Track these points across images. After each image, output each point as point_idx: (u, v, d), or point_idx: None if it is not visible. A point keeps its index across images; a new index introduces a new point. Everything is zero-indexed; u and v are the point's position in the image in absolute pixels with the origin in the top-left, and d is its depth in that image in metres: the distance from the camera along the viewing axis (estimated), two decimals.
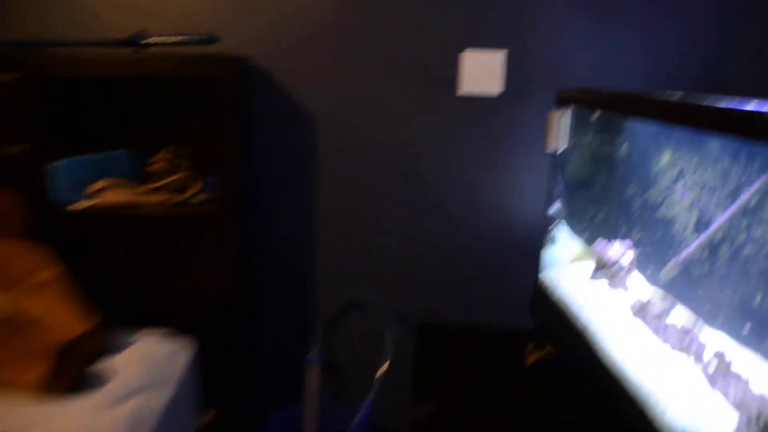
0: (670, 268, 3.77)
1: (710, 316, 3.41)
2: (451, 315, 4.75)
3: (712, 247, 3.47)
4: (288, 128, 4.13)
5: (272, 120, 4.11)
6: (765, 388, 2.71)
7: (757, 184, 3.19)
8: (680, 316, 3.45)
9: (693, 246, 3.61)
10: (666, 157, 3.95)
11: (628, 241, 4.01)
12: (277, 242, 4.42)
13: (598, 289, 3.88)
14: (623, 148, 4.32)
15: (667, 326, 3.25)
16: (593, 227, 4.52)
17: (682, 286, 3.65)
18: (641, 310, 3.45)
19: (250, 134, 4.02)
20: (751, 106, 2.42)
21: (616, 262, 3.94)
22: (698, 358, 3.03)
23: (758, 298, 3.18)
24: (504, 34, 4.28)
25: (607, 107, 3.88)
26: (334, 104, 4.14)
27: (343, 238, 4.43)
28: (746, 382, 2.72)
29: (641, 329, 3.35)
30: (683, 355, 3.05)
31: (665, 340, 3.15)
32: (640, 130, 4.20)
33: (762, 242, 3.16)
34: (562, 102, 4.16)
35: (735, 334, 3.26)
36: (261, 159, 4.19)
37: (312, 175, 4.21)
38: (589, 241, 4.22)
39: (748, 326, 3.23)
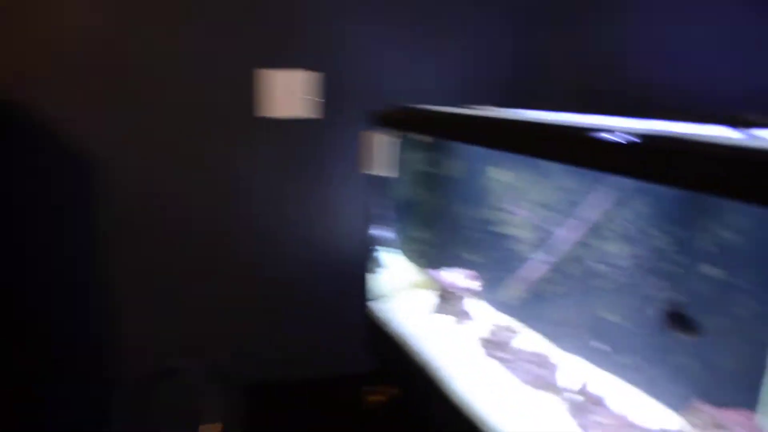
0: (514, 292, 3.60)
1: (564, 340, 3.29)
2: (282, 365, 4.16)
3: (557, 266, 3.36)
4: (58, 175, 3.30)
5: (34, 165, 3.25)
6: (632, 415, 2.55)
7: (595, 203, 3.11)
8: (533, 343, 3.27)
9: (534, 267, 3.47)
10: (499, 175, 3.83)
11: (469, 271, 3.79)
12: (62, 307, 3.51)
13: (442, 320, 3.58)
14: (453, 168, 4.14)
15: (519, 358, 3.02)
16: (432, 253, 4.27)
17: (531, 310, 3.51)
18: (490, 342, 3.20)
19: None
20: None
21: (458, 290, 3.69)
22: (557, 391, 2.82)
23: (608, 316, 3.08)
24: (315, 55, 3.88)
25: (423, 127, 3.63)
26: (113, 144, 3.41)
27: (144, 296, 3.66)
28: (614, 415, 2.54)
29: (492, 364, 3.09)
30: (541, 391, 2.83)
31: (521, 377, 2.91)
32: (466, 148, 4.04)
33: (607, 258, 3.07)
34: (377, 122, 3.84)
35: (589, 356, 3.14)
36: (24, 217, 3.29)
37: (94, 228, 3.39)
38: (428, 267, 3.94)
39: (599, 346, 3.13)
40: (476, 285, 3.67)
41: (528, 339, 3.28)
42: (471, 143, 3.32)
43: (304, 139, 4.24)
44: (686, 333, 2.28)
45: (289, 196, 4.30)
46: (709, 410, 2.26)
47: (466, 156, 4.04)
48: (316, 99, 4.10)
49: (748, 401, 2.46)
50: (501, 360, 3.08)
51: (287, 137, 4.17)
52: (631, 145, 2.03)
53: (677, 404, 2.70)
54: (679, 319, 2.31)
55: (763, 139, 1.91)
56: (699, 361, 2.66)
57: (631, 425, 2.49)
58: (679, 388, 2.75)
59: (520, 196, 3.65)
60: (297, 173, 4.28)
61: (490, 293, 3.79)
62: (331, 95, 3.97)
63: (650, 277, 2.90)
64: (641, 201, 2.93)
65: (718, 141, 1.81)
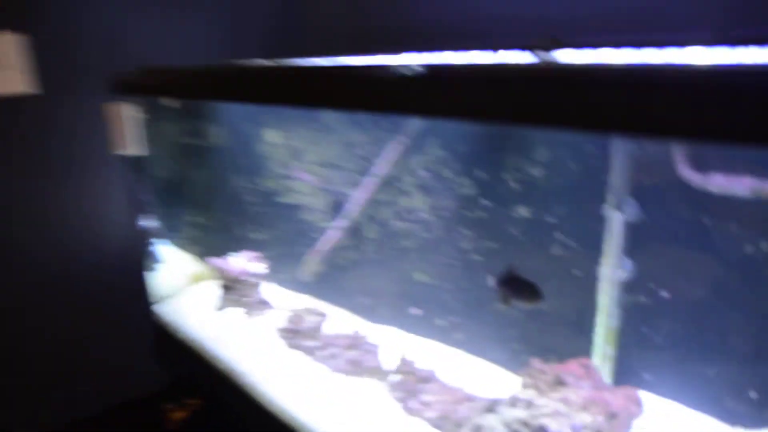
0: (313, 267, 3.14)
1: (377, 312, 2.92)
2: (61, 407, 3.31)
3: (356, 232, 2.96)
4: None
5: None
6: (467, 385, 2.26)
7: (386, 154, 2.74)
8: (343, 323, 2.85)
9: (330, 236, 3.04)
10: (273, 138, 3.30)
11: (254, 253, 3.23)
12: None
13: (234, 314, 3.01)
14: (218, 136, 3.50)
15: (330, 344, 2.59)
16: (210, 239, 3.62)
17: (334, 285, 3.08)
18: (292, 331, 2.72)
19: None
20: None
21: (247, 277, 3.13)
22: (379, 373, 2.45)
23: (422, 278, 2.76)
24: (22, 13, 2.91)
25: (173, 89, 2.95)
26: None
27: None
28: (447, 389, 2.23)
29: (298, 356, 2.63)
30: (359, 377, 2.43)
31: (334, 365, 2.49)
32: (233, 111, 3.43)
33: (408, 214, 2.73)
34: (120, 90, 3.07)
35: (408, 325, 2.81)
36: None
37: None
38: (208, 255, 3.31)
39: (416, 312, 2.82)
40: (262, 267, 3.13)
41: (337, 319, 2.86)
42: (234, 100, 2.74)
43: (23, 121, 3.25)
44: (527, 301, 2.02)
45: (20, 194, 3.28)
46: (547, 368, 2.02)
47: (232, 120, 3.44)
48: (29, 68, 3.14)
49: (583, 350, 2.29)
50: (308, 349, 2.62)
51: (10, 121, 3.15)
52: (418, 79, 1.62)
53: (513, 365, 2.48)
54: (516, 287, 2.04)
55: (563, 61, 1.62)
56: (528, 315, 2.45)
57: (467, 398, 2.18)
58: (512, 346, 2.54)
59: (301, 158, 3.16)
60: (25, 164, 3.28)
61: (285, 274, 3.29)
62: (55, 63, 2.99)
63: (458, 227, 2.62)
64: (435, 145, 2.62)
65: (518, 67, 1.51)
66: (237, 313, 3.04)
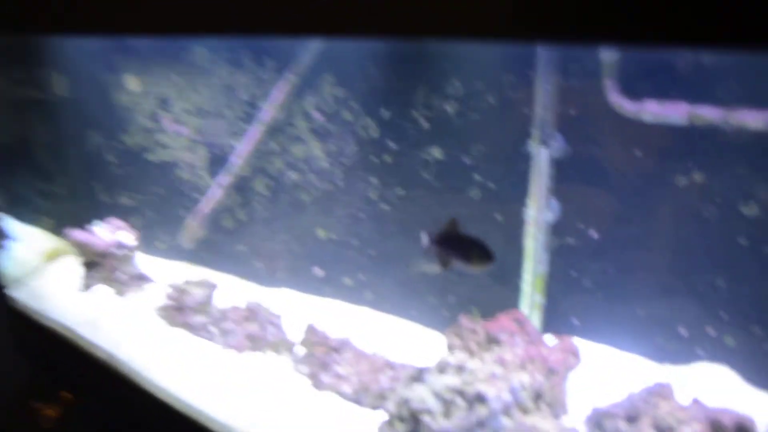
0: (194, 232, 2.73)
1: (274, 277, 2.57)
2: None
3: (244, 188, 2.57)
4: None
5: None
6: (388, 351, 2.02)
7: (279, 95, 2.36)
8: (236, 292, 2.49)
9: (212, 194, 2.63)
10: (131, 84, 2.79)
11: (121, 221, 2.74)
12: None
13: (105, 294, 2.56)
14: (62, 85, 2.92)
15: (222, 318, 2.25)
16: (63, 208, 3.07)
17: (222, 250, 2.68)
18: (175, 308, 2.34)
19: None
20: None
21: (114, 250, 2.66)
22: (282, 347, 2.15)
23: (321, 234, 2.45)
24: None
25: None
26: None
27: None
28: (364, 357, 1.97)
29: (183, 335, 2.27)
30: (258, 353, 2.12)
31: (227, 342, 2.15)
32: (78, 53, 2.86)
33: (305, 167, 2.40)
34: None
35: (312, 288, 2.51)
36: None
37: None
38: (62, 227, 2.78)
39: (320, 272, 2.51)
40: (133, 237, 2.67)
41: (228, 289, 2.49)
42: (74, 33, 2.23)
43: None
44: (474, 264, 1.71)
45: None
46: (477, 325, 1.80)
47: (78, 65, 2.87)
48: None
49: (509, 300, 2.09)
50: (198, 326, 2.26)
51: None
52: None
53: (435, 322, 2.25)
54: (458, 246, 1.71)
55: None
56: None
57: (387, 365, 1.93)
58: (429, 302, 2.30)
59: (170, 107, 2.70)
60: None
61: (163, 242, 2.85)
62: None
63: (362, 175, 2.32)
64: (330, 82, 2.28)
65: None
66: (108, 292, 2.58)
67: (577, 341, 1.92)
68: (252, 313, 2.27)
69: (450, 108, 2.10)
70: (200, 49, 2.53)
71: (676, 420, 1.53)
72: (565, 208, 2.00)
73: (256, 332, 2.21)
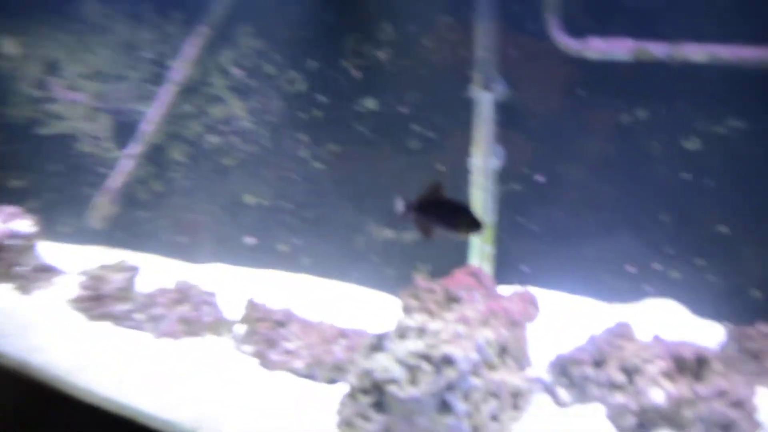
0: (104, 210, 2.47)
1: (200, 250, 2.36)
2: None
3: (158, 156, 2.33)
4: None
5: None
6: (339, 319, 1.92)
7: (191, 51, 2.13)
8: (162, 273, 2.28)
9: (123, 167, 2.37)
10: (12, 48, 2.43)
11: (10, 207, 2.40)
12: None
13: (6, 293, 2.27)
14: None
15: (150, 304, 2.05)
16: None
17: (135, 229, 2.43)
18: (92, 298, 2.11)
19: None
20: None
21: (8, 240, 2.34)
22: (222, 327, 2.00)
23: (251, 200, 2.28)
24: None
25: None
26: None
27: None
28: (313, 328, 1.86)
29: (106, 327, 2.05)
30: (195, 337, 1.97)
31: (160, 329, 1.97)
32: None
33: (226, 128, 2.20)
34: None
35: (242, 259, 2.34)
36: None
37: None
38: None
39: (252, 241, 2.34)
40: (28, 224, 2.35)
41: (152, 270, 2.27)
42: None
43: None
44: (461, 230, 1.55)
45: None
46: (435, 285, 1.71)
47: None
48: None
49: (458, 254, 2.02)
50: (121, 316, 2.05)
51: None
52: None
53: (383, 284, 2.14)
54: (440, 212, 1.54)
55: None
56: (387, 223, 2.11)
57: (340, 334, 1.82)
58: (373, 261, 2.19)
59: (61, 72, 2.38)
60: None
61: (68, 225, 2.56)
62: None
63: (291, 132, 2.15)
64: (248, 33, 2.07)
65: None
66: (8, 290, 2.28)
67: (530, 290, 1.88)
68: (182, 294, 2.08)
69: (383, 55, 1.97)
70: (91, 3, 2.23)
71: (641, 359, 1.52)
72: (510, 153, 1.93)
73: (190, 314, 2.03)
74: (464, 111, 1.93)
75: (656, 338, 1.60)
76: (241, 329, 1.97)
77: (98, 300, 2.12)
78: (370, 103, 2.03)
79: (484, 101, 1.85)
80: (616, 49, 1.70)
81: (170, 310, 2.04)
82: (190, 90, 2.19)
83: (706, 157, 1.82)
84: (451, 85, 1.95)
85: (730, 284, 1.87)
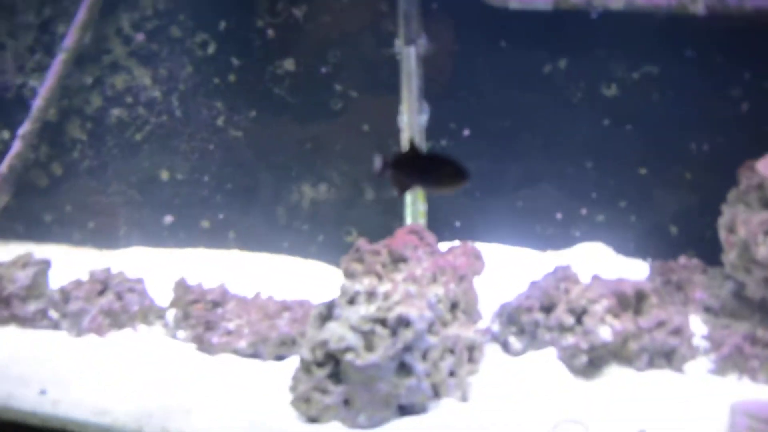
0: None
1: (110, 235, 2.17)
2: None
3: (53, 135, 2.10)
4: None
5: None
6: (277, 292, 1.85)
7: (84, 15, 1.92)
8: (68, 263, 2.08)
9: (14, 150, 2.13)
10: None
11: None
12: None
13: None
14: None
15: (65, 299, 1.89)
16: None
17: (34, 217, 2.18)
18: None
19: None
20: None
21: None
22: (152, 316, 1.88)
23: (165, 174, 2.13)
24: None
25: None
26: None
27: None
28: (253, 305, 1.79)
29: (14, 331, 1.86)
30: (121, 332, 1.84)
31: (82, 326, 1.82)
32: None
33: (132, 99, 2.03)
34: None
35: (163, 239, 2.19)
36: None
37: None
38: None
39: (171, 219, 2.19)
40: None
41: (63, 261, 2.06)
42: None
43: None
44: (441, 185, 1.46)
45: None
46: (377, 246, 1.68)
47: None
48: None
49: (389, 215, 1.99)
50: (33, 316, 1.87)
51: None
52: None
53: (316, 251, 2.07)
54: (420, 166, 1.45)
55: None
56: (311, 187, 2.04)
57: (282, 307, 1.77)
58: (303, 229, 2.10)
59: None
60: None
61: None
62: None
63: (204, 100, 2.01)
64: None
65: None
66: None
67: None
68: (102, 284, 1.91)
69: (298, 12, 1.86)
70: None
71: (587, 300, 1.57)
72: (435, 108, 1.91)
73: (114, 305, 1.87)
74: (387, 68, 1.88)
75: (596, 278, 1.67)
76: (173, 314, 1.85)
77: (2, 302, 1.90)
78: (287, 64, 1.93)
79: (410, 56, 1.80)
80: None
81: (91, 304, 1.87)
82: (85, 59, 1.98)
83: (623, 102, 1.88)
84: (372, 42, 1.88)
85: (650, 223, 1.97)
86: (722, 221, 1.61)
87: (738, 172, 1.61)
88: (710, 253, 1.67)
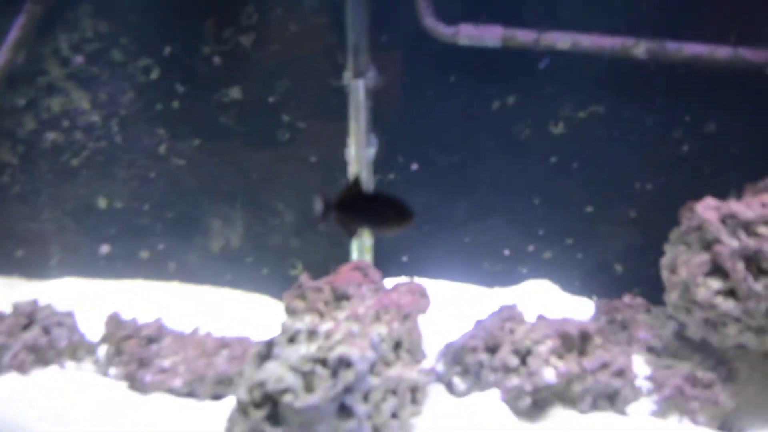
0: None
1: (40, 265, 2.06)
2: None
3: None
4: None
5: None
6: (215, 327, 1.79)
7: (17, 34, 1.84)
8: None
9: None
10: None
11: None
12: None
13: None
14: None
15: None
16: None
17: None
18: None
19: None
20: None
21: None
22: (81, 352, 1.79)
23: (108, 202, 2.05)
24: None
25: None
26: None
27: None
28: (189, 341, 1.72)
29: None
30: (45, 369, 1.74)
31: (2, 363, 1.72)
32: None
33: (69, 123, 1.95)
34: None
35: (98, 270, 2.10)
36: None
37: None
38: None
39: (107, 249, 2.10)
40: None
41: None
42: None
43: None
44: (388, 226, 1.41)
45: None
46: (320, 283, 1.64)
47: None
48: None
49: (336, 248, 1.95)
50: None
51: None
52: None
53: (259, 285, 2.01)
54: (364, 208, 1.39)
55: None
56: (253, 219, 1.98)
57: (220, 344, 1.70)
58: (246, 262, 2.03)
59: None
60: None
61: None
62: None
63: (146, 126, 1.94)
64: (89, 14, 1.83)
65: None
66: None
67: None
68: (27, 318, 1.80)
69: (246, 40, 1.82)
70: None
71: (532, 341, 1.55)
72: (384, 142, 1.89)
73: (40, 340, 1.76)
74: (336, 99, 1.85)
75: (540, 317, 1.65)
76: (105, 350, 1.75)
77: None
78: (234, 92, 1.89)
79: (358, 89, 1.78)
80: (486, 35, 1.71)
81: (13, 339, 1.75)
82: (18, 80, 1.89)
83: (570, 140, 1.89)
84: (321, 73, 1.86)
85: (596, 260, 1.98)
86: (664, 261, 1.61)
87: (679, 212, 1.63)
88: (654, 291, 1.68)
